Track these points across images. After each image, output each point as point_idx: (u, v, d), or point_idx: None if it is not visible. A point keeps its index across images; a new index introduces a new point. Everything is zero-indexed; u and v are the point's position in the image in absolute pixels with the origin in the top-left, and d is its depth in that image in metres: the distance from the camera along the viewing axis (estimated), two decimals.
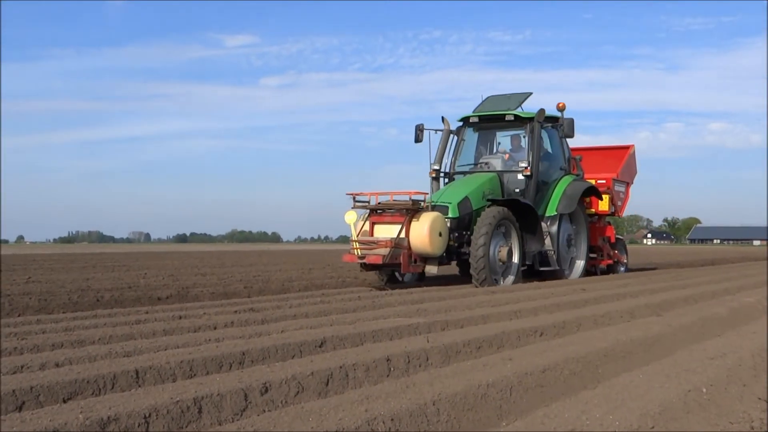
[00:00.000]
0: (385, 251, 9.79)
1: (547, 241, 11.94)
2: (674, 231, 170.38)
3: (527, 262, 11.53)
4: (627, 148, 15.75)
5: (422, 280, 11.71)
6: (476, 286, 10.18)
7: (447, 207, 10.78)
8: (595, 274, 14.04)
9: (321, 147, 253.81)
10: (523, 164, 11.85)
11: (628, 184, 15.31)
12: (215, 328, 5.61)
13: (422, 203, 10.30)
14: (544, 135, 12.60)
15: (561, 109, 12.59)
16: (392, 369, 4.10)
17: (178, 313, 6.61)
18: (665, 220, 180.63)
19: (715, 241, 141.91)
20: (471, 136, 12.92)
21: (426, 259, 10.26)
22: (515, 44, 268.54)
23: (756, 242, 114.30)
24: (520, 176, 11.84)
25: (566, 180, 12.64)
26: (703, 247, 77.65)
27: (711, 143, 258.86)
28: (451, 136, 12.81)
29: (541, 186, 12.20)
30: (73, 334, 5.10)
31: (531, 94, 12.79)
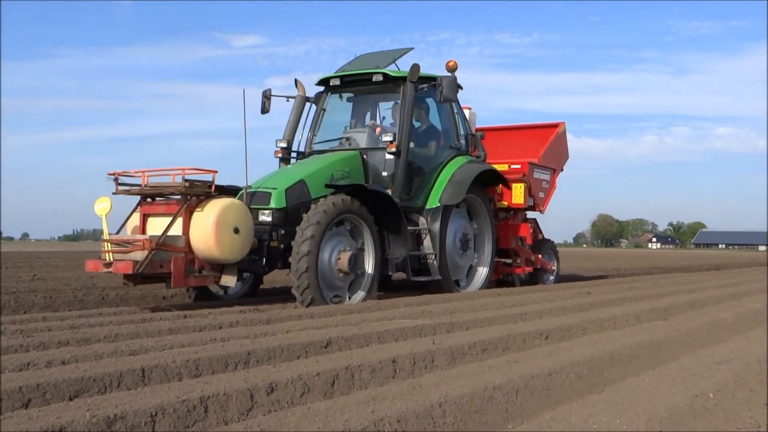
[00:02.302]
0: (141, 255, 6.73)
1: (427, 242, 9.35)
2: (679, 235, 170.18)
3: (389, 272, 8.76)
4: (554, 126, 12.74)
5: (256, 294, 9.10)
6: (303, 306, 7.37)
7: (269, 194, 8.05)
8: (510, 284, 11.31)
9: None
10: (387, 138, 8.96)
11: (554, 172, 12.32)
12: (221, 328, 5.61)
13: (210, 186, 7.26)
14: (429, 103, 10.11)
15: (451, 68, 9.79)
16: (398, 370, 4.09)
17: (183, 312, 6.62)
18: (670, 224, 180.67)
19: (720, 245, 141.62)
20: (335, 105, 10.26)
21: (223, 267, 7.36)
22: (523, 47, 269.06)
23: (761, 247, 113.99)
24: (389, 156, 9.06)
25: (457, 162, 9.88)
26: (708, 252, 77.52)
27: (717, 148, 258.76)
28: (309, 104, 10.09)
29: (417, 169, 9.55)
30: (79, 332, 5.11)
31: (412, 48, 10.20)
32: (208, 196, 7.25)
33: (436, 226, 9.39)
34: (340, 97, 10.23)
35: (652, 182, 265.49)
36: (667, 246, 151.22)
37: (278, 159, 9.74)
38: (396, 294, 9.11)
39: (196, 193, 7.16)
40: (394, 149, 8.92)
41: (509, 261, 11.51)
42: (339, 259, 7.88)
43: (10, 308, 7.38)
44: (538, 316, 6.73)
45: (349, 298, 8.12)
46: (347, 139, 9.58)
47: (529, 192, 11.35)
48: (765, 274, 16.52)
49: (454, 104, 10.09)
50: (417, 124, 9.90)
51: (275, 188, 8.13)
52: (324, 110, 10.08)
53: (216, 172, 7.26)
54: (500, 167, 11.03)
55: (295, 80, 10.16)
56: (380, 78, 9.46)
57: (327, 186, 8.25)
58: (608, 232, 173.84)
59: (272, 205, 8.00)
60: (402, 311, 6.83)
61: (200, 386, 3.31)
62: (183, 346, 4.51)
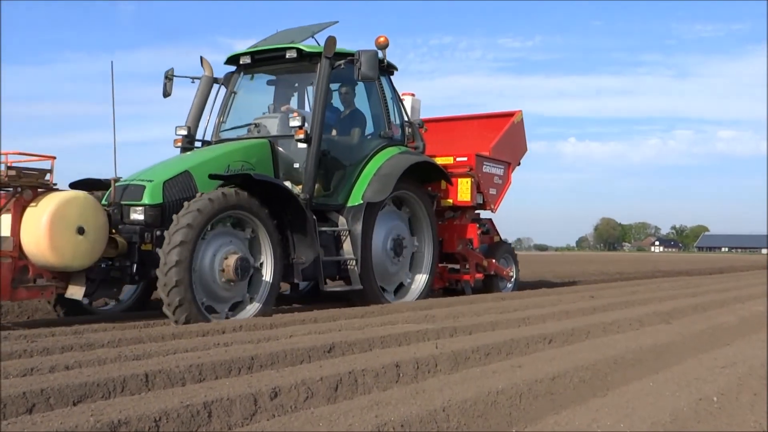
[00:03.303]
0: None
1: (347, 245, 8.06)
2: (682, 239, 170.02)
3: (295, 280, 7.51)
4: (509, 116, 11.36)
5: (145, 307, 7.69)
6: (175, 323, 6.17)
7: (142, 188, 6.78)
8: (459, 293, 10.15)
9: None
10: (295, 123, 7.75)
11: (509, 166, 10.93)
12: (224, 332, 5.61)
13: (48, 176, 6.12)
14: (357, 85, 8.88)
15: (381, 45, 8.74)
16: (401, 375, 4.09)
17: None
18: (673, 227, 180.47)
19: (723, 249, 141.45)
20: (249, 87, 9.08)
21: (69, 276, 6.26)
22: (525, 50, 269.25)
23: (764, 251, 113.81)
24: (301, 144, 7.81)
25: (387, 153, 8.65)
26: (711, 255, 77.42)
27: (720, 151, 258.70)
28: (218, 86, 8.92)
29: (337, 160, 8.37)
30: (83, 337, 5.11)
31: (336, 22, 8.91)
32: (48, 189, 6.06)
33: (358, 226, 8.10)
34: (252, 77, 9.02)
35: (654, 186, 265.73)
36: (669, 249, 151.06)
37: (179, 148, 8.43)
38: (322, 305, 8.05)
39: (29, 185, 5.92)
40: (302, 136, 7.68)
41: (458, 267, 10.35)
42: (224, 264, 6.59)
43: (14, 314, 7.38)
44: (541, 320, 6.73)
45: (238, 312, 6.85)
46: (256, 125, 8.38)
47: (477, 188, 10.02)
48: (766, 277, 16.47)
49: (387, 88, 8.99)
50: (341, 108, 8.89)
51: (151, 181, 6.87)
52: (234, 93, 8.84)
53: (54, 158, 6.13)
54: (444, 161, 9.91)
55: (201, 58, 8.95)
56: (294, 54, 8.24)
57: (211, 177, 6.97)
58: (611, 235, 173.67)
59: (145, 200, 6.71)
60: (405, 316, 6.83)
61: (204, 391, 3.31)
62: (186, 351, 4.51)
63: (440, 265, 9.86)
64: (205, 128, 8.70)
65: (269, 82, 9.15)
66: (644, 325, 6.55)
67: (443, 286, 10.29)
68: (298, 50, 8.22)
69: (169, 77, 8.65)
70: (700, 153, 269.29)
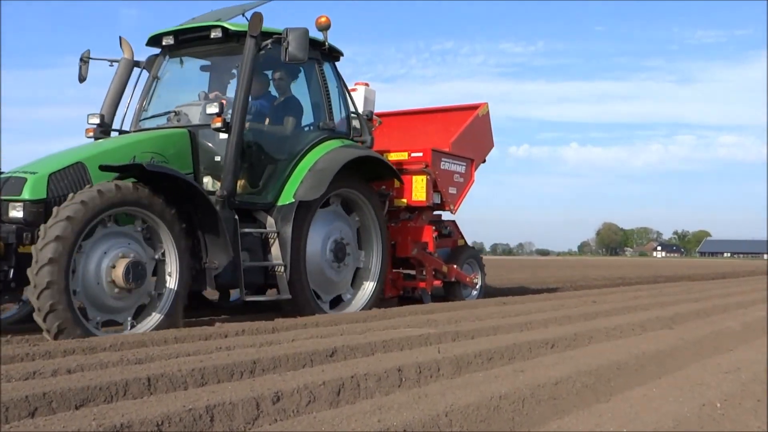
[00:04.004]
0: None
1: (276, 249, 7.19)
2: (684, 244, 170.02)
3: (208, 287, 6.72)
4: (472, 108, 10.49)
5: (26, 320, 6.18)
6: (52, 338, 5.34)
7: (23, 181, 6.00)
8: (417, 301, 9.29)
9: None
10: (212, 110, 6.84)
11: (471, 162, 10.06)
12: (226, 336, 5.61)
13: None
14: (294, 70, 8.05)
15: (322, 26, 7.87)
16: (404, 379, 4.08)
17: (188, 320, 6.61)
18: (675, 232, 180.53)
19: (725, 254, 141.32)
20: (175, 71, 8.10)
21: None
22: (527, 56, 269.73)
23: (766, 256, 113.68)
24: (224, 135, 6.94)
25: (326, 146, 7.79)
26: (713, 261, 77.33)
27: (722, 156, 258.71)
28: (138, 70, 8.05)
29: (266, 153, 7.55)
30: (85, 340, 5.10)
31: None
32: None
33: (288, 228, 7.20)
34: (179, 61, 8.05)
35: (656, 191, 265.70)
36: (671, 255, 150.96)
37: (91, 139, 7.49)
38: (254, 316, 7.37)
39: None
40: (219, 124, 6.79)
41: (413, 272, 9.44)
42: (113, 270, 5.74)
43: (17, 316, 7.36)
44: (544, 325, 6.72)
45: (134, 325, 6.02)
46: (176, 114, 7.45)
47: (434, 186, 9.20)
48: (767, 283, 16.42)
49: (330, 75, 8.18)
50: (275, 95, 8.02)
51: (34, 173, 6.06)
52: (157, 78, 7.95)
53: None
54: (398, 157, 9.17)
55: (120, 39, 8.04)
56: (219, 33, 7.33)
57: (101, 168, 6.06)
58: (613, 240, 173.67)
59: (25, 195, 5.88)
60: (407, 320, 6.82)
61: (206, 395, 3.31)
62: (188, 355, 4.51)
63: (395, 271, 9.25)
64: (123, 117, 7.84)
65: (204, 68, 8.29)
66: (647, 331, 6.54)
67: (396, 295, 9.40)
68: (224, 29, 7.31)
69: (84, 60, 7.81)
70: (702, 158, 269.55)
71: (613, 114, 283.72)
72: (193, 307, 7.64)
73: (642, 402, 3.73)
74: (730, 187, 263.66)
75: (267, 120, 7.72)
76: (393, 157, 9.13)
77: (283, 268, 7.16)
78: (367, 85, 9.48)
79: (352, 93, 8.84)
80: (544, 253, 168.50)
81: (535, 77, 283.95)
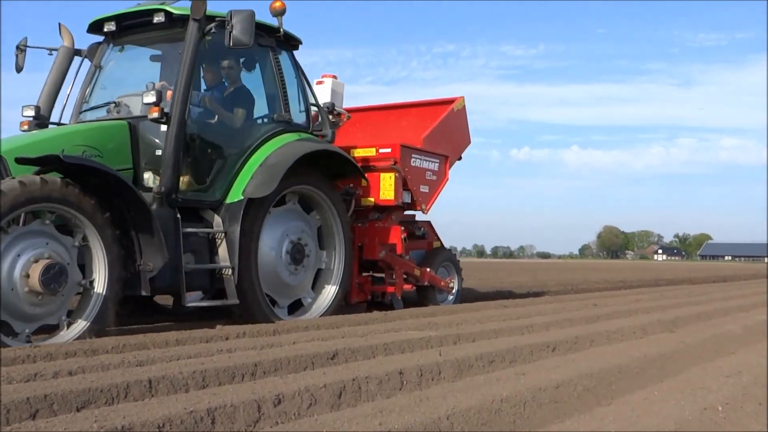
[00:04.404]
0: None
1: (223, 250, 6.69)
2: (685, 247, 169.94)
3: (143, 291, 5.98)
4: (447, 103, 9.89)
5: None
6: None
7: None
8: (388, 307, 8.75)
9: None
10: (149, 99, 6.35)
11: (446, 159, 9.50)
12: (227, 339, 5.61)
13: None
14: (247, 58, 7.58)
15: (276, 11, 7.44)
16: (405, 382, 4.08)
17: (190, 323, 6.62)
18: (676, 236, 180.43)
19: (726, 257, 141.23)
20: (120, 60, 7.55)
21: None
22: (528, 58, 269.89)
23: (767, 259, 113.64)
24: (165, 127, 6.44)
25: (280, 140, 7.30)
26: (714, 264, 77.30)
27: (723, 159, 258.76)
28: (79, 59, 7.52)
29: (214, 147, 7.03)
30: (86, 342, 5.11)
31: None
32: None
33: (236, 228, 6.67)
34: (122, 49, 7.50)
35: (657, 194, 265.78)
36: (673, 258, 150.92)
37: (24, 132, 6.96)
38: (204, 323, 6.82)
39: None
40: (156, 114, 6.27)
41: (382, 275, 8.96)
42: (29, 274, 5.17)
43: None
44: (545, 328, 6.71)
45: (56, 334, 5.52)
46: (117, 105, 6.94)
47: (404, 185, 8.66)
48: (767, 286, 16.39)
49: (288, 64, 7.68)
50: (225, 85, 7.46)
51: None
52: (100, 68, 7.41)
53: None
54: (366, 153, 8.68)
55: (59, 26, 7.53)
56: (162, 18, 6.83)
57: (17, 161, 5.55)
58: (614, 243, 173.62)
59: None
60: (408, 323, 6.82)
61: (207, 398, 3.30)
62: (190, 357, 4.51)
63: (364, 275, 8.80)
64: (63, 109, 7.36)
65: (154, 58, 7.71)
66: (648, 334, 6.53)
67: (365, 300, 8.90)
68: (167, 13, 6.80)
69: (21, 48, 7.30)
70: (703, 161, 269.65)
71: (614, 117, 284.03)
72: (145, 314, 7.53)
73: (643, 405, 3.73)
74: (732, 190, 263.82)
75: (216, 112, 7.13)
76: (360, 153, 8.65)
77: (230, 270, 6.64)
78: (334, 77, 8.95)
79: (318, 86, 8.50)
80: (545, 256, 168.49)
81: (536, 80, 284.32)
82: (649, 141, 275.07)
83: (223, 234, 6.73)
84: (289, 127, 7.54)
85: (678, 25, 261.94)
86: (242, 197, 6.80)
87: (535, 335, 6.15)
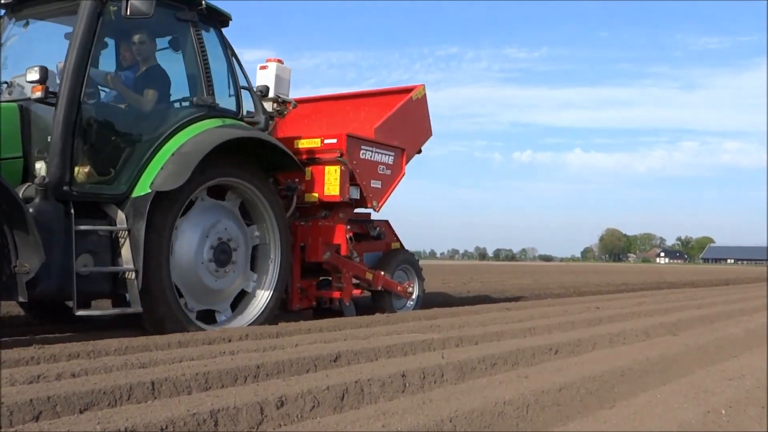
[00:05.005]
0: None
1: (127, 251, 5.85)
2: (687, 250, 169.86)
3: (20, 298, 5.21)
4: (405, 91, 9.15)
5: None
6: None
7: None
8: (337, 314, 7.93)
9: None
10: (32, 76, 5.63)
11: (402, 152, 8.70)
12: (230, 341, 5.61)
13: None
14: (164, 34, 6.85)
15: None
16: (407, 384, 4.08)
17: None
18: (678, 239, 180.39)
19: (728, 260, 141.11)
20: (22, 36, 6.70)
21: None
22: (531, 61, 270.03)
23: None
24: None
25: (200, 126, 6.49)
26: (716, 267, 77.19)
27: (726, 162, 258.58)
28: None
29: (115, 133, 6.18)
30: (89, 344, 5.11)
31: None
32: None
33: (140, 225, 5.87)
34: (26, 23, 6.68)
35: (660, 197, 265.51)
36: (675, 261, 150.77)
37: None
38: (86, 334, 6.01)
39: None
40: (39, 94, 5.58)
41: (329, 279, 8.29)
42: None
43: (21, 320, 7.39)
44: (547, 331, 6.71)
45: None
46: (9, 85, 6.25)
47: (352, 179, 7.88)
48: (766, 290, 16.37)
49: (215, 42, 6.94)
50: (137, 65, 6.68)
51: None
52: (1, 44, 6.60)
53: None
54: (310, 144, 7.91)
55: None
56: None
57: None
58: (616, 246, 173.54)
59: None
60: (410, 325, 6.82)
61: (210, 399, 3.31)
62: (192, 359, 4.51)
63: (309, 278, 8.08)
64: None
65: (68, 35, 6.54)
66: (651, 337, 6.53)
67: (310, 306, 8.17)
68: None
69: None
70: (705, 164, 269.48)
71: (617, 120, 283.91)
72: (51, 321, 6.89)
73: (646, 408, 3.72)
74: (734, 193, 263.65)
75: (123, 93, 6.44)
76: (304, 144, 7.91)
77: (133, 274, 5.79)
78: (280, 62, 8.19)
79: (262, 71, 7.94)
80: (547, 258, 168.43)
81: (538, 83, 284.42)
82: (651, 144, 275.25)
83: (127, 232, 5.88)
84: (213, 112, 6.71)
85: (681, 28, 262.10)
86: (149, 190, 5.98)
87: (537, 338, 6.15)
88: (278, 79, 8.10)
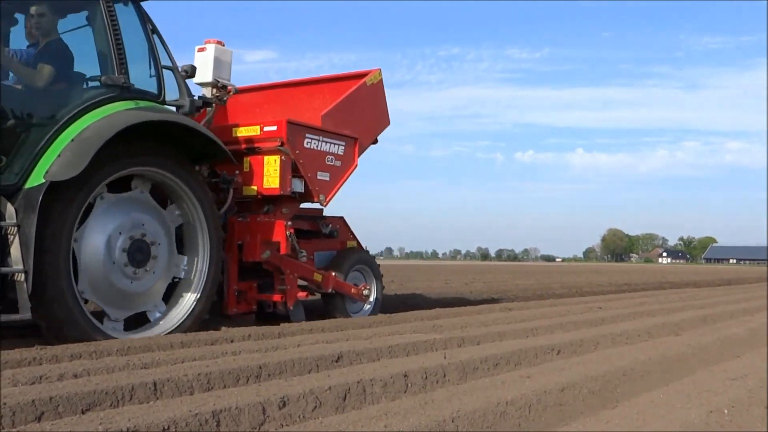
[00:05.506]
0: None
1: (16, 249, 5.14)
2: (690, 250, 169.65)
3: None
4: (358, 77, 8.43)
5: None
6: None
7: None
8: (284, 318, 7.34)
9: None
10: None
11: (354, 142, 8.01)
12: (232, 341, 5.61)
13: None
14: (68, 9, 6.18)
15: None
16: (410, 385, 4.08)
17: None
18: (681, 239, 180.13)
19: (731, 260, 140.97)
20: None
21: None
22: (533, 62, 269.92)
23: None
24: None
25: (107, 110, 5.76)
26: (719, 267, 77.09)
27: (728, 162, 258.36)
28: None
29: (13, 115, 5.40)
30: (91, 345, 5.11)
31: None
32: None
33: (31, 220, 5.15)
34: None
35: (662, 197, 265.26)
36: (677, 261, 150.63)
37: None
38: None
39: None
40: None
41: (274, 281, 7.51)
42: None
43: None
44: (549, 331, 6.71)
45: None
46: None
47: (295, 171, 7.19)
48: (766, 290, 16.34)
49: (132, 15, 6.27)
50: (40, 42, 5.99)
51: None
52: None
53: None
54: (249, 132, 7.24)
55: None
56: None
57: None
58: (618, 246, 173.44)
59: None
60: (412, 325, 6.82)
61: (212, 400, 3.31)
62: (194, 360, 4.52)
63: (248, 281, 7.36)
64: None
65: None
66: (653, 337, 6.52)
67: (250, 311, 7.44)
68: None
69: None
70: (708, 164, 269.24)
71: (619, 120, 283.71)
72: None
73: (649, 408, 3.71)
74: (736, 193, 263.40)
75: (14, 71, 5.79)
76: (243, 132, 7.25)
77: (22, 275, 5.06)
78: (220, 43, 7.51)
79: (200, 53, 7.33)
80: (549, 259, 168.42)
81: (540, 83, 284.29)
82: (653, 144, 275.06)
83: (16, 228, 5.15)
84: (126, 93, 5.97)
85: (683, 28, 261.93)
86: (43, 180, 5.27)
87: (539, 338, 6.14)
88: (218, 62, 7.42)
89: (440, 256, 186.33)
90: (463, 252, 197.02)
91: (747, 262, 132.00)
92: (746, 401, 3.88)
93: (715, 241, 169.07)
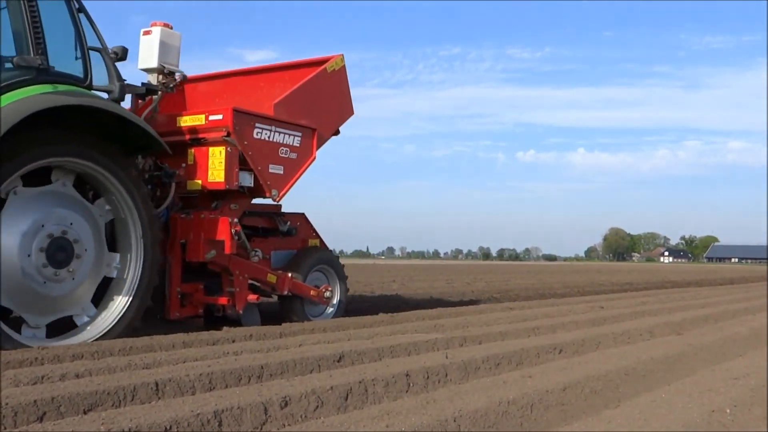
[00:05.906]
0: None
1: None
2: (692, 249, 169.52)
3: None
4: (318, 63, 7.76)
5: None
6: None
7: None
8: (234, 323, 6.82)
9: (339, 161, 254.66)
10: None
11: (312, 133, 7.39)
12: (234, 341, 5.62)
13: None
14: None
15: None
16: (411, 384, 4.08)
17: (196, 325, 6.61)
18: (683, 238, 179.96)
19: (733, 259, 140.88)
20: None
21: None
22: (534, 61, 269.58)
23: None
24: None
25: (21, 93, 5.24)
26: (721, 266, 77.03)
27: (730, 161, 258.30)
28: None
29: None
30: (93, 344, 5.12)
31: None
32: None
33: None
34: None
35: (664, 196, 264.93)
36: (679, 260, 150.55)
37: None
38: None
39: None
40: None
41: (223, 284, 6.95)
42: None
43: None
44: (551, 331, 6.70)
45: None
46: None
47: (243, 163, 6.68)
48: (767, 289, 16.33)
49: None
50: None
51: None
52: None
53: None
54: (194, 121, 6.67)
55: None
56: None
57: None
58: (620, 245, 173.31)
59: None
60: (414, 325, 6.82)
61: (214, 400, 3.31)
62: (196, 360, 4.52)
63: (193, 283, 6.79)
64: None
65: None
66: (655, 336, 6.52)
67: (195, 314, 6.87)
68: None
69: None
70: (710, 164, 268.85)
71: (621, 119, 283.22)
72: None
73: (651, 408, 3.71)
74: (738, 192, 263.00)
75: None
76: (187, 122, 6.70)
77: None
78: (167, 26, 7.01)
79: (145, 36, 6.88)
80: (550, 258, 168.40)
81: (542, 83, 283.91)
82: (655, 143, 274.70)
83: None
84: (44, 76, 5.46)
85: (684, 28, 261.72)
86: None
87: (541, 337, 6.14)
88: (164, 46, 6.92)
89: (442, 255, 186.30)
90: (465, 251, 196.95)
91: (749, 261, 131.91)
92: (748, 401, 3.88)
93: (716, 240, 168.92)
